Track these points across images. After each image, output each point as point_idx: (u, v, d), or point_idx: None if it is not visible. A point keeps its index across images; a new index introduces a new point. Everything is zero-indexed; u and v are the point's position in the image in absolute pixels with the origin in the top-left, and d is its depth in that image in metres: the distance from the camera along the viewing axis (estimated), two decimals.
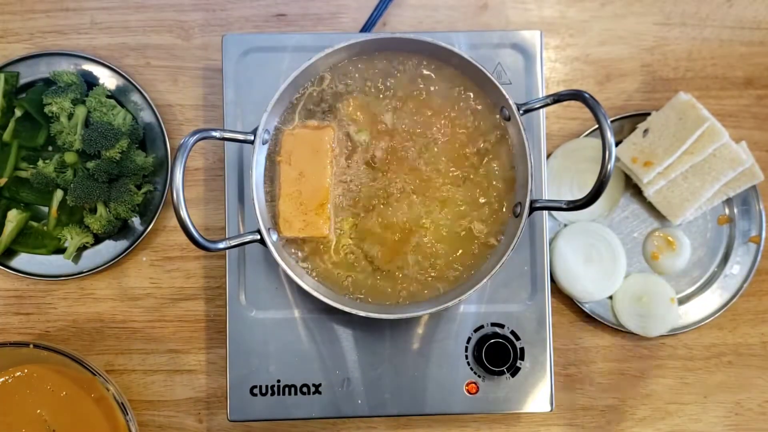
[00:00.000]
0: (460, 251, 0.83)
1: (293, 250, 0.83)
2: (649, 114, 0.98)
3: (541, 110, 0.87)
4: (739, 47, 1.03)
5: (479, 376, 0.88)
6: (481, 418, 0.97)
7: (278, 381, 0.88)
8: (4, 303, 0.97)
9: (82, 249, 0.95)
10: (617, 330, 0.97)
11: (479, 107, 0.84)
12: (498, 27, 1.01)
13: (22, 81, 0.96)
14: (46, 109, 0.93)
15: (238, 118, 0.89)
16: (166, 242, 0.97)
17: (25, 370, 0.89)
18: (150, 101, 0.95)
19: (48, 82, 0.95)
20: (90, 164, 0.92)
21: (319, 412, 0.88)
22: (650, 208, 0.99)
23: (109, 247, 0.95)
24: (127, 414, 0.86)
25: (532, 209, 0.78)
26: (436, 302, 0.80)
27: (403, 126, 0.84)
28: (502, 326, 0.89)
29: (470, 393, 0.88)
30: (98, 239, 0.95)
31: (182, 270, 0.97)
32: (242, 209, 0.88)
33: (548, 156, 0.98)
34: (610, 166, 0.71)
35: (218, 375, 0.97)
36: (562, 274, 0.95)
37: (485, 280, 0.78)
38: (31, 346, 0.86)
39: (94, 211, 0.94)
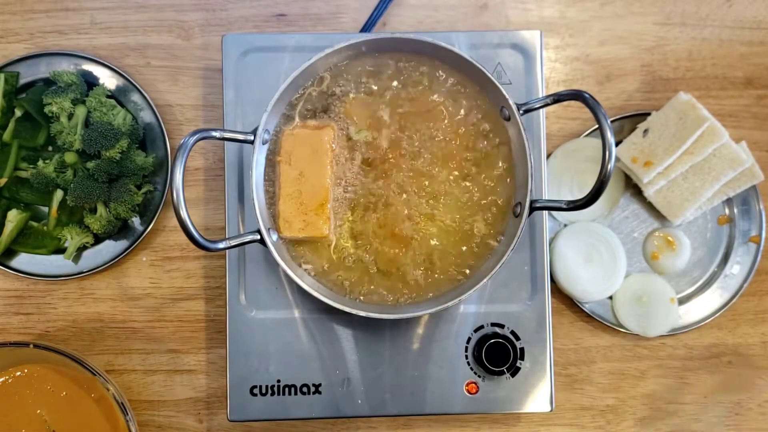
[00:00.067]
0: (460, 251, 0.83)
1: (293, 250, 0.83)
2: (649, 114, 0.98)
3: (541, 110, 0.87)
4: (739, 47, 1.03)
5: (479, 376, 0.88)
6: (481, 418, 0.97)
7: (278, 381, 0.88)
8: (4, 303, 0.97)
9: (82, 249, 0.95)
10: (617, 330, 0.97)
11: (479, 107, 0.84)
12: (498, 27, 1.01)
13: (22, 81, 0.96)
14: (46, 109, 0.93)
15: (238, 118, 0.89)
16: (166, 242, 0.97)
17: (25, 370, 0.89)
18: (150, 101, 0.95)
19: (48, 82, 0.95)
20: (90, 164, 0.92)
21: (319, 412, 0.88)
22: (650, 208, 0.99)
23: (109, 247, 0.95)
24: (127, 414, 0.86)
25: (532, 209, 0.78)
26: (436, 302, 0.80)
27: (403, 126, 0.84)
28: (502, 326, 0.89)
29: (470, 393, 0.88)
30: (98, 239, 0.95)
31: (182, 270, 0.97)
32: (242, 209, 0.88)
33: (548, 156, 0.98)
34: (610, 166, 0.71)
35: (218, 375, 0.97)
36: (562, 274, 0.95)
37: (485, 280, 0.78)
38: (31, 346, 0.86)
39: (94, 211, 0.94)
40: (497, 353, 0.86)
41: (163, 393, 0.96)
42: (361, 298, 0.83)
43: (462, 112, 0.84)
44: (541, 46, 0.91)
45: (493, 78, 0.80)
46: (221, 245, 0.74)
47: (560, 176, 0.98)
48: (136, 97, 0.96)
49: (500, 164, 0.84)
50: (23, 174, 0.95)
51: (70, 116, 0.93)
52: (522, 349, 0.88)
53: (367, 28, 0.98)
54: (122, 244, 0.95)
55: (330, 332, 0.88)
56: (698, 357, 1.00)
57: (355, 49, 0.83)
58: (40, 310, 0.97)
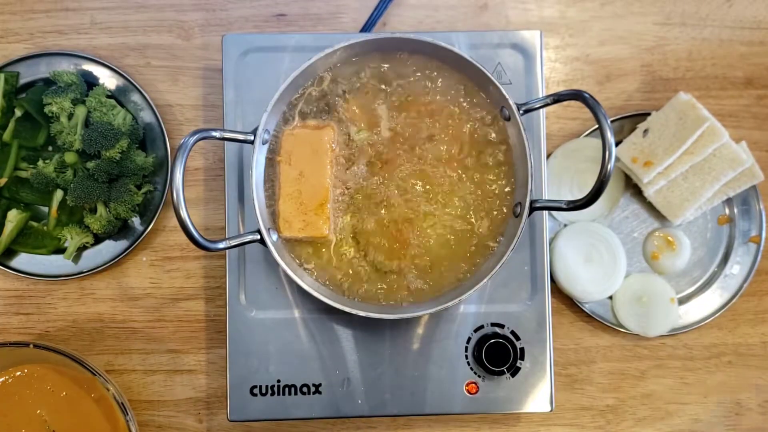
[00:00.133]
0: (460, 251, 0.83)
1: (293, 250, 0.83)
2: (649, 114, 0.98)
3: (541, 110, 0.87)
4: (739, 47, 1.03)
5: (479, 376, 0.88)
6: (481, 418, 0.97)
7: (278, 381, 0.88)
8: (4, 303, 0.97)
9: (82, 249, 0.95)
10: (617, 330, 0.97)
11: (479, 107, 0.84)
12: (498, 27, 1.01)
13: (22, 81, 0.96)
14: (46, 109, 0.93)
15: (238, 118, 0.89)
16: (166, 242, 0.97)
17: (25, 370, 0.89)
18: (150, 101, 0.95)
19: (48, 82, 0.95)
20: (90, 164, 0.92)
21: (319, 412, 0.88)
22: (650, 208, 0.99)
23: (109, 247, 0.95)
24: (127, 414, 0.86)
25: (532, 209, 0.78)
26: (436, 302, 0.80)
27: (403, 126, 0.84)
28: (502, 326, 0.89)
29: (470, 393, 0.88)
30: (98, 239, 0.95)
31: (182, 270, 0.97)
32: (242, 209, 0.88)
33: (548, 156, 0.98)
34: (610, 166, 0.71)
35: (218, 375, 0.97)
36: (562, 274, 0.95)
37: (485, 280, 0.78)
38: (31, 346, 0.86)
39: (94, 211, 0.94)
40: (497, 353, 0.86)
41: (163, 393, 0.96)
42: (361, 297, 0.83)
43: (462, 112, 0.84)
44: (541, 46, 0.91)
45: (493, 78, 0.80)
46: (221, 245, 0.74)
47: (560, 176, 0.98)
48: (136, 97, 0.96)
49: (500, 164, 0.84)
50: (23, 174, 0.95)
51: (70, 116, 0.93)
52: (522, 349, 0.88)
53: (367, 28, 0.98)
54: (122, 244, 0.95)
55: (330, 332, 0.88)
56: (698, 357, 1.00)
57: (355, 49, 0.82)
58: (40, 310, 0.97)
